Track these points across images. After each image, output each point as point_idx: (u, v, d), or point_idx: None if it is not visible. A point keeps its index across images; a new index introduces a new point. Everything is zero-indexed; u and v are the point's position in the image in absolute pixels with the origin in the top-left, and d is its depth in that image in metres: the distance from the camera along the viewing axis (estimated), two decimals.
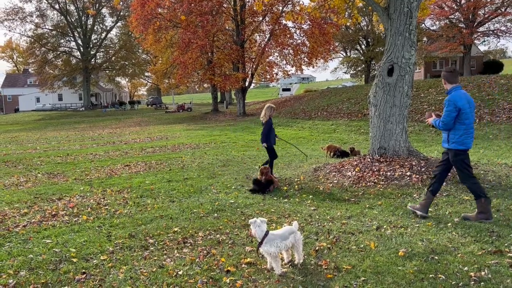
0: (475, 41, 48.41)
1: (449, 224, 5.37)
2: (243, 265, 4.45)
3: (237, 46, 30.49)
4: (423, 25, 50.63)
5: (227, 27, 33.78)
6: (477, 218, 5.42)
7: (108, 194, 8.10)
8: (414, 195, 6.83)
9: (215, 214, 6.44)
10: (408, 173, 7.68)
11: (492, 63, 55.55)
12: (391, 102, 8.33)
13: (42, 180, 9.79)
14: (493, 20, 47.10)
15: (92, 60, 62.76)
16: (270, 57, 31.20)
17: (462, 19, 47.84)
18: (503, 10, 45.62)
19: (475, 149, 10.82)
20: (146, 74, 76.82)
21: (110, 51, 65.85)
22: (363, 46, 72.10)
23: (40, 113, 60.72)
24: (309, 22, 29.22)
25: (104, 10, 63.50)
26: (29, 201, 7.71)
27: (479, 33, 47.59)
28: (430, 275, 3.95)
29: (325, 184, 7.94)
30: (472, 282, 3.78)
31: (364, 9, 58.86)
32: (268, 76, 34.17)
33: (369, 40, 70.59)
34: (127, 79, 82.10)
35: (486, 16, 45.90)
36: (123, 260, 4.72)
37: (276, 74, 32.69)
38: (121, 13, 62.26)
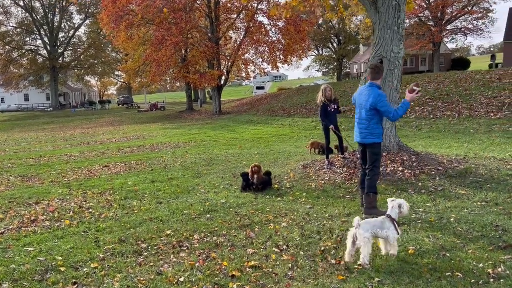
0: (444, 39, 49.54)
1: (452, 219, 5.27)
2: (248, 269, 4.19)
3: (212, 43, 30.05)
4: None
5: (201, 25, 33.25)
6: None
7: (89, 197, 7.67)
8: (409, 190, 6.72)
9: (208, 215, 6.15)
10: (400, 168, 7.59)
11: (459, 60, 57.06)
12: None
13: (16, 183, 9.22)
14: (461, 18, 48.40)
15: (60, 59, 60.82)
16: (246, 55, 30.93)
17: (431, 17, 48.83)
18: (469, 8, 46.86)
19: (458, 143, 10.91)
20: (116, 72, 75.25)
21: (79, 49, 64.06)
22: (334, 44, 72.92)
23: (5, 114, 58.45)
24: (284, 19, 29.10)
25: (71, 7, 61.64)
26: (3, 206, 7.19)
27: (447, 31, 48.73)
28: (447, 273, 3.80)
29: (316, 181, 7.75)
30: (492, 280, 3.65)
31: (336, 7, 59.45)
32: (244, 74, 33.88)
33: (340, 38, 71.47)
34: (96, 78, 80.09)
35: (453, 14, 47.04)
36: (116, 267, 4.38)
37: (253, 71, 32.47)
38: (90, 10, 60.67)
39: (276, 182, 8.02)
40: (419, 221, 5.31)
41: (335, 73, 72.64)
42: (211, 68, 31.48)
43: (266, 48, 31.23)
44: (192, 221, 5.91)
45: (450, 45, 58.98)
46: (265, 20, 31.20)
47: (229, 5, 31.07)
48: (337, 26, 70.53)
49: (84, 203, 7.20)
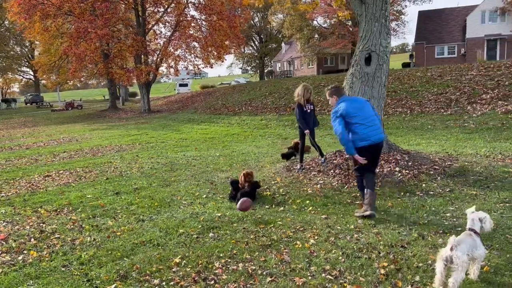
0: None
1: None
2: None
3: (140, 37, 28.09)
4: (315, 22, 52.81)
5: (128, 18, 31.01)
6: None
7: (45, 216, 6.26)
8: (417, 193, 6.31)
9: (211, 234, 5.18)
10: (397, 169, 7.19)
11: None
12: (369, 94, 7.76)
13: None
14: None
15: None
16: (179, 50, 29.40)
17: (349, 18, 50.75)
18: None
19: (424, 139, 10.93)
20: (22, 68, 68.46)
21: None
22: (256, 43, 73.25)
23: None
24: (216, 14, 28.16)
25: None
26: None
27: None
28: None
29: (311, 186, 7.08)
30: None
31: (257, 5, 59.50)
32: (172, 70, 32.23)
33: (262, 36, 71.96)
34: None
35: None
36: None
37: (186, 67, 30.98)
38: None
39: (265, 189, 7.21)
40: (459, 229, 4.85)
41: (258, 71, 72.97)
42: (139, 64, 29.51)
43: (196, 44, 30.02)
44: (196, 243, 4.92)
45: None
46: (198, 15, 29.83)
47: None
48: (258, 24, 71.02)
49: (43, 225, 5.82)
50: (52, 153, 12.69)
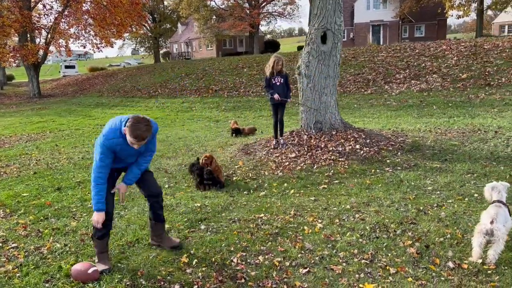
0: (262, 22, 52.53)
1: (475, 194, 5.14)
2: None
3: (26, 11, 24.80)
4: (213, 2, 52.07)
5: None
6: None
7: None
8: (387, 168, 6.46)
9: (202, 227, 4.70)
10: (358, 147, 7.29)
11: (271, 42, 61.62)
12: (325, 73, 7.73)
13: None
14: (272, 2, 52.13)
15: None
16: (75, 27, 26.56)
17: (246, 0, 51.04)
18: None
19: (357, 118, 11.33)
20: None
21: None
22: (149, 22, 69.95)
23: None
24: None
25: None
26: None
27: (262, 14, 51.83)
28: None
29: (280, 169, 6.84)
30: None
31: None
32: (64, 49, 29.22)
33: (155, 16, 68.94)
34: None
35: None
36: None
37: (84, 46, 28.21)
38: None
39: (231, 174, 6.80)
40: (450, 201, 5.03)
41: (152, 52, 69.93)
42: (25, 42, 26.13)
43: (91, 20, 27.47)
44: (193, 237, 4.39)
45: (263, 28, 63.18)
46: None
47: None
48: (151, 3, 67.78)
49: None
50: None
